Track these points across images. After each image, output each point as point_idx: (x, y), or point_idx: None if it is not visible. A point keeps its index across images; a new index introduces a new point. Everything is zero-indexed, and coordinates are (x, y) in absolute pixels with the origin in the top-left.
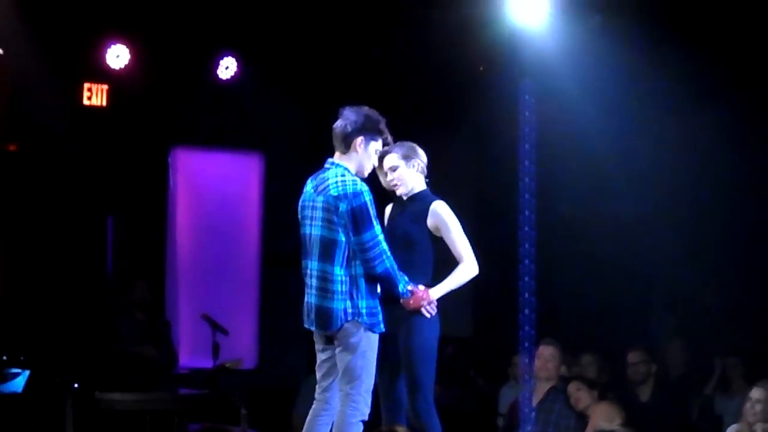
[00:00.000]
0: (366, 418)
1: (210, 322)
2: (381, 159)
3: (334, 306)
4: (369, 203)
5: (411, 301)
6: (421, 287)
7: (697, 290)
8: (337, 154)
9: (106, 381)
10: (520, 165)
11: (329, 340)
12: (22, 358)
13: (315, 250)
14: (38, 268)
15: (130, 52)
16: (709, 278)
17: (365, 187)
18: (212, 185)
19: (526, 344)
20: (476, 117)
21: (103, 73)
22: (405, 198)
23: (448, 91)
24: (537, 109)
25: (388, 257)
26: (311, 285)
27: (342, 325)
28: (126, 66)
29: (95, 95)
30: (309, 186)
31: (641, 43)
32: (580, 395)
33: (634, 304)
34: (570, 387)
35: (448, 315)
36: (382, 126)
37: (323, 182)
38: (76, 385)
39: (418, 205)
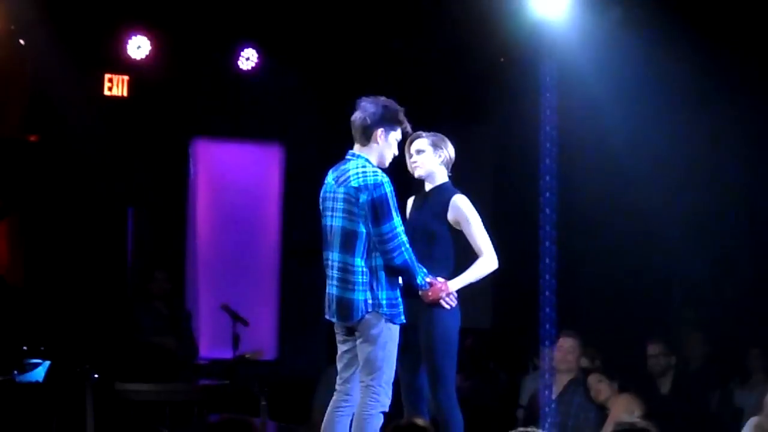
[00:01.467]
0: (387, 409)
1: (230, 313)
2: (410, 141)
3: (354, 297)
4: (389, 195)
5: (429, 293)
6: (440, 279)
7: (716, 283)
8: (357, 145)
9: (126, 371)
10: (541, 148)
11: (350, 332)
12: (42, 348)
13: (336, 242)
14: (59, 259)
15: (151, 43)
16: (729, 271)
17: (386, 179)
18: (232, 176)
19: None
20: (497, 108)
21: (124, 64)
22: (426, 189)
23: (468, 83)
24: (557, 100)
25: (407, 249)
26: (332, 276)
27: (363, 317)
28: (147, 57)
29: (116, 86)
30: (330, 177)
31: (661, 36)
32: (600, 387)
33: (653, 296)
34: (590, 379)
35: (468, 307)
36: (401, 116)
37: (344, 174)
38: (96, 376)
39: (438, 198)
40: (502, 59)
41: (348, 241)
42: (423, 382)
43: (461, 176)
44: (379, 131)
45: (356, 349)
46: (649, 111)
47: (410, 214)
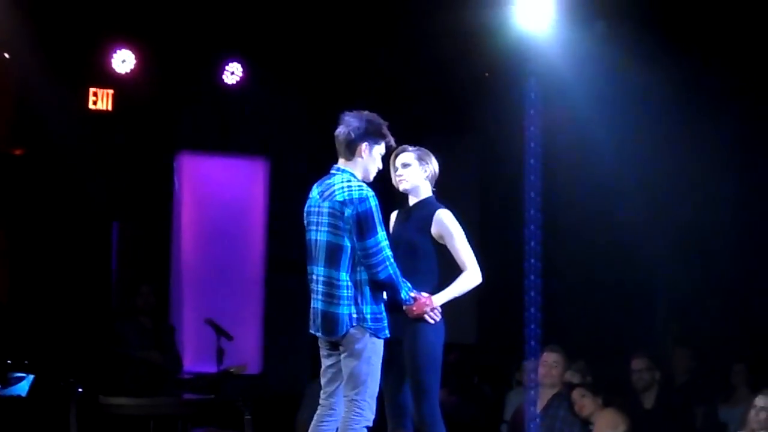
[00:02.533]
0: (370, 424)
1: (214, 327)
2: (396, 155)
3: (339, 311)
4: (374, 209)
5: (414, 308)
6: (424, 294)
7: (701, 297)
8: (341, 160)
9: (110, 385)
10: (526, 164)
11: (334, 346)
12: (26, 362)
13: (321, 256)
14: (43, 273)
15: (135, 57)
16: (714, 285)
17: (371, 193)
18: (217, 190)
19: (533, 343)
20: (482, 122)
21: (108, 78)
22: (410, 204)
23: (453, 97)
24: (541, 114)
25: (391, 264)
26: (317, 290)
27: (347, 331)
28: (132, 71)
29: (101, 100)
30: (315, 192)
31: (646, 50)
32: (585, 402)
33: (639, 310)
34: (574, 394)
35: (452, 322)
36: (384, 130)
37: (329, 188)
38: (80, 390)
39: (422, 212)
40: (486, 74)
41: (333, 256)
42: (407, 396)
43: (446, 190)
44: (363, 145)
45: (340, 364)
46: (633, 125)
47: (394, 228)
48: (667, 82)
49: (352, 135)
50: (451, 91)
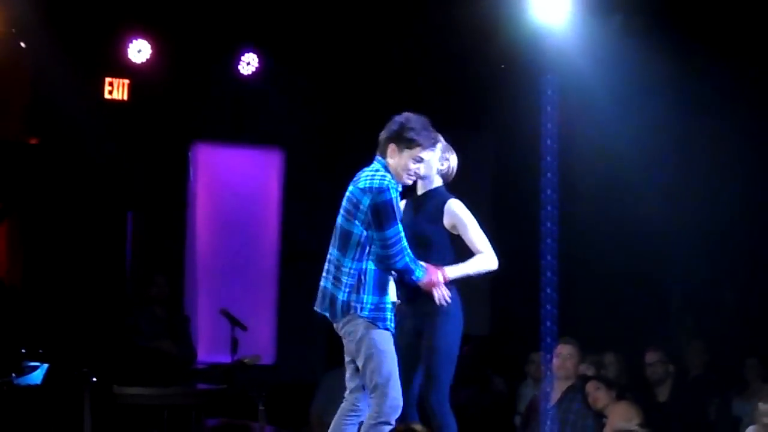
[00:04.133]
0: (390, 422)
1: (228, 318)
2: None
3: (339, 297)
4: (394, 200)
5: (425, 279)
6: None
7: (716, 291)
8: (377, 154)
9: (124, 375)
10: (542, 161)
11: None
12: (41, 351)
13: (336, 239)
14: (58, 263)
15: (151, 47)
16: (728, 279)
17: (393, 184)
18: (232, 181)
19: (548, 340)
20: (498, 115)
21: (124, 68)
22: (418, 193)
23: (469, 90)
24: (558, 110)
25: (408, 253)
26: (329, 270)
27: (344, 318)
28: (147, 61)
29: (116, 89)
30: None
31: (662, 44)
32: (599, 395)
33: (653, 304)
34: (588, 386)
35: (466, 313)
36: (414, 135)
37: (359, 174)
38: (94, 379)
39: (432, 203)
40: (502, 66)
41: (344, 241)
42: (415, 387)
43: (461, 185)
44: (391, 147)
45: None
46: (650, 119)
47: (404, 218)
48: (684, 76)
49: (384, 134)
50: (467, 85)
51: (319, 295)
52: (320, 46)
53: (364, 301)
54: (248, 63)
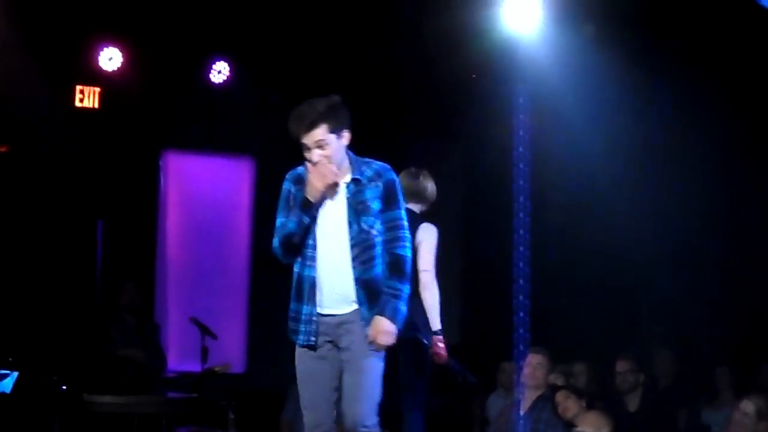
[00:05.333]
0: None
1: (199, 326)
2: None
3: None
4: (283, 190)
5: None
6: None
7: (686, 300)
8: None
9: (95, 383)
10: (515, 168)
11: None
12: (10, 359)
13: None
14: (28, 270)
15: (122, 55)
16: (698, 288)
17: (290, 174)
18: (203, 189)
19: (521, 347)
20: (469, 124)
21: (95, 76)
22: None
23: (440, 99)
24: (529, 117)
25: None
26: None
27: None
28: (118, 69)
29: (87, 98)
30: None
31: (634, 53)
32: (568, 404)
33: (623, 313)
34: (558, 396)
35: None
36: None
37: None
38: (64, 387)
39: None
40: (473, 76)
41: None
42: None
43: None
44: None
45: None
46: (621, 128)
47: None
48: (656, 85)
49: None
50: (438, 94)
51: None
52: (291, 55)
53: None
54: (219, 72)
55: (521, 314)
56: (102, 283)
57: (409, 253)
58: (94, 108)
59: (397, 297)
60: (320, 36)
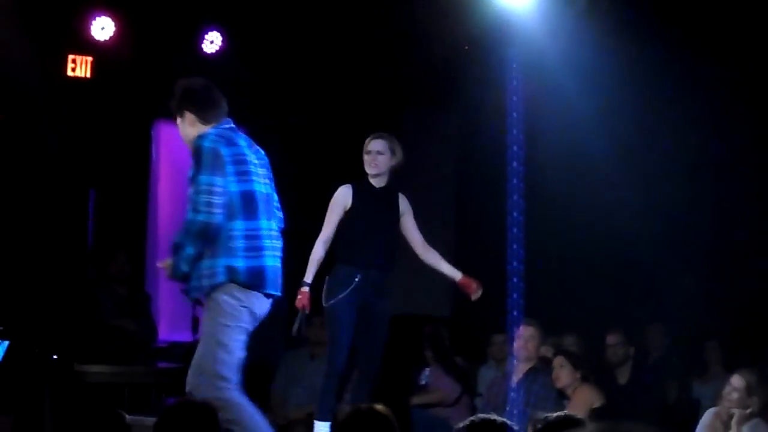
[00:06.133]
0: None
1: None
2: (371, 140)
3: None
4: None
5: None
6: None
7: (677, 274)
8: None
9: (85, 353)
10: (508, 134)
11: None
12: (1, 328)
13: (269, 209)
14: (19, 240)
15: (115, 24)
16: (689, 263)
17: None
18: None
19: (514, 314)
20: (462, 95)
21: (87, 45)
22: (376, 186)
23: (432, 70)
24: (523, 85)
25: None
26: (275, 247)
27: None
28: (111, 38)
29: (79, 67)
30: (240, 140)
31: (627, 25)
32: (562, 373)
33: (614, 286)
34: (555, 361)
35: (427, 294)
36: None
37: (249, 140)
38: (54, 357)
39: (393, 195)
40: (466, 47)
41: (270, 208)
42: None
43: (426, 162)
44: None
45: None
46: (615, 99)
47: (364, 208)
48: (650, 56)
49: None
50: (431, 65)
51: (278, 275)
52: (284, 26)
53: None
54: (212, 42)
55: (514, 280)
56: (93, 253)
57: (192, 216)
58: (86, 77)
59: (174, 252)
60: (313, 6)
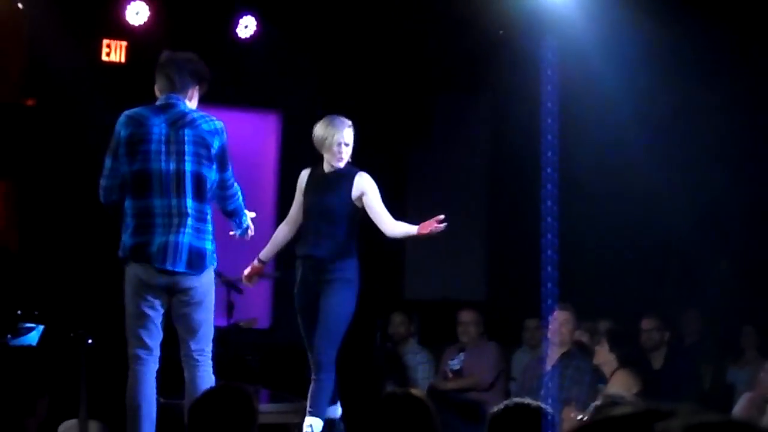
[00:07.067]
0: None
1: (225, 281)
2: (346, 129)
3: (206, 247)
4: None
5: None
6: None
7: (713, 259)
8: (179, 94)
9: (120, 337)
10: (542, 123)
11: (170, 290)
12: (36, 312)
13: (186, 187)
14: (54, 224)
15: (149, 9)
16: (726, 247)
17: None
18: (229, 143)
19: (549, 302)
20: (496, 80)
21: (122, 30)
22: (326, 171)
23: (466, 55)
24: (558, 73)
25: (240, 194)
26: (182, 223)
27: (206, 269)
28: (145, 23)
29: (114, 51)
30: (152, 119)
31: (664, 10)
32: (601, 351)
33: (650, 271)
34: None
35: (462, 278)
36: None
37: (181, 116)
38: (90, 341)
39: (344, 180)
40: (501, 32)
41: (200, 187)
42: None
43: (458, 148)
44: (195, 89)
45: (178, 310)
46: (651, 85)
47: (310, 194)
48: (685, 39)
49: (189, 77)
50: (465, 49)
51: (170, 250)
52: (318, 10)
53: (215, 250)
54: (246, 26)
55: (549, 269)
56: None
57: None
58: (120, 62)
59: None
60: None
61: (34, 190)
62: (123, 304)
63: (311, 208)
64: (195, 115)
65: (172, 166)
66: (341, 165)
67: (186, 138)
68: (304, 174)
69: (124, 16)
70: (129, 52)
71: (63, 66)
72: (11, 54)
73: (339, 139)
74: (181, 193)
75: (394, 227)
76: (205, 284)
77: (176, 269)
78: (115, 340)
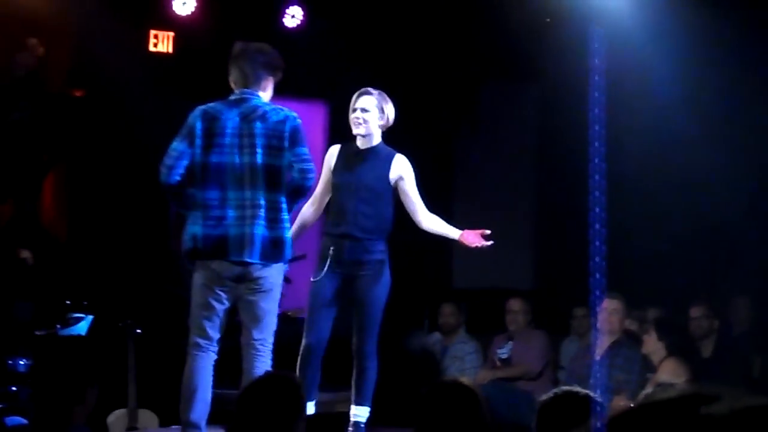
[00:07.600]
0: None
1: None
2: (357, 97)
3: (286, 237)
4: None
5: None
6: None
7: (763, 247)
8: (254, 88)
9: (168, 326)
10: (590, 113)
11: (240, 279)
12: (85, 303)
13: (259, 179)
14: (103, 215)
15: (196, 0)
16: None
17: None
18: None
19: (597, 293)
20: (542, 68)
21: (169, 20)
22: (360, 147)
23: (513, 44)
24: (605, 60)
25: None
26: (256, 215)
27: (281, 260)
28: (192, 13)
29: (161, 42)
30: (227, 114)
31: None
32: (649, 340)
33: (699, 259)
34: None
35: (509, 267)
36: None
37: (254, 111)
38: (138, 331)
39: (380, 157)
40: (548, 19)
41: (273, 179)
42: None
43: (505, 136)
44: (270, 80)
45: (245, 297)
46: (700, 74)
47: (342, 171)
48: (736, 28)
49: (262, 69)
50: (511, 38)
51: (245, 242)
52: (363, 1)
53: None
54: (293, 16)
55: (597, 259)
56: (175, 227)
57: None
58: (168, 52)
59: None
60: None
61: (83, 180)
62: (172, 293)
63: (346, 186)
64: (267, 108)
65: (246, 159)
66: (361, 132)
67: (257, 131)
68: (334, 150)
69: (171, 6)
70: (176, 42)
71: (111, 56)
72: (60, 45)
73: (354, 105)
74: (255, 185)
75: (429, 219)
76: (275, 275)
77: (251, 260)
78: (164, 330)
